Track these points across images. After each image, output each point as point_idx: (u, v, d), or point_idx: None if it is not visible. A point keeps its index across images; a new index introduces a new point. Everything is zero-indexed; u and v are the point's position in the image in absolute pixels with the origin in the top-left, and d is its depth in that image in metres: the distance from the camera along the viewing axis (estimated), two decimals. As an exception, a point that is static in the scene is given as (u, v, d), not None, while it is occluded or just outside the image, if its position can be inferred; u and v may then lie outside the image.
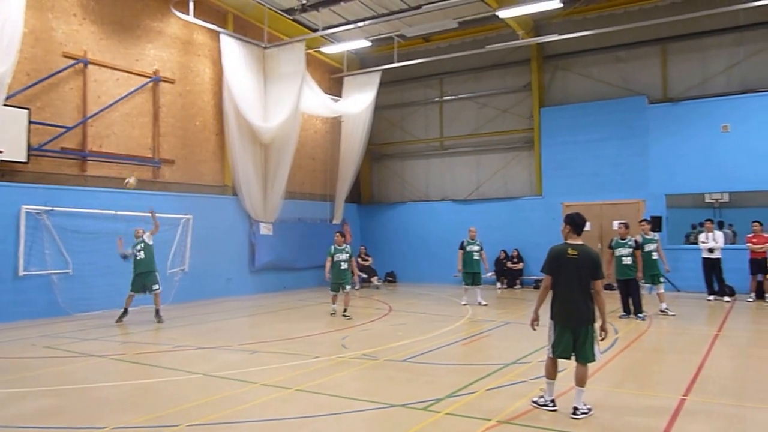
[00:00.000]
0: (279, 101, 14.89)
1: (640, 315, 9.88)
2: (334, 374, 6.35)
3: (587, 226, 5.37)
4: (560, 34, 14.43)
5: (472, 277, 12.16)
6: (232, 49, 14.26)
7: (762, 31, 13.99)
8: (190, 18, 13.18)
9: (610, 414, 4.87)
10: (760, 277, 12.07)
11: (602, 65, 15.93)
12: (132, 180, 10.36)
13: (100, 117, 11.87)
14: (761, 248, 11.92)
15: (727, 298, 12.11)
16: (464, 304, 12.04)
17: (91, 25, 11.81)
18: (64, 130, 11.17)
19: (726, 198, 16.65)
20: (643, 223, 10.95)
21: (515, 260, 16.21)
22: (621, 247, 10.17)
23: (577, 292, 4.87)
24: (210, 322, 10.46)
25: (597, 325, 4.91)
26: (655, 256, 10.41)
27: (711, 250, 12.16)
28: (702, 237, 12.48)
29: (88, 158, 11.65)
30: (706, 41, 14.60)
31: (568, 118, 15.82)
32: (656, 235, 10.87)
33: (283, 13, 15.52)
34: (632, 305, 10.08)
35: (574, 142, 15.64)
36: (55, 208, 10.73)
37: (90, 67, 11.69)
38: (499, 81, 17.43)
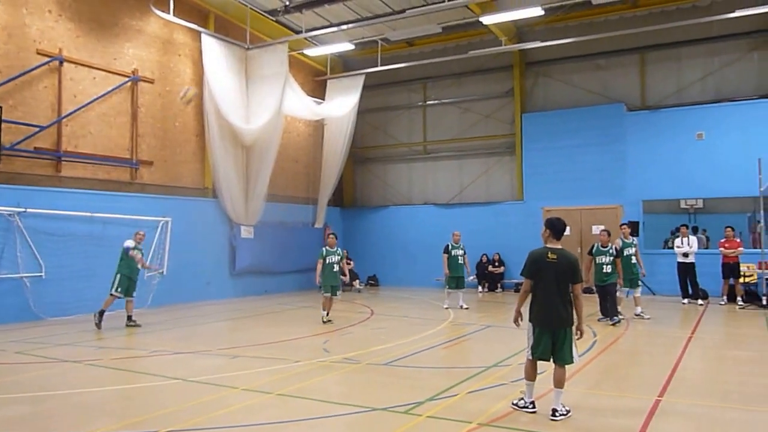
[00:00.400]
0: (261, 103, 14.77)
1: (615, 318, 10.01)
2: (316, 378, 6.31)
3: (567, 231, 5.44)
4: (542, 41, 14.63)
5: (456, 280, 12.22)
6: (213, 49, 14.12)
7: (735, 42, 14.42)
8: (170, 17, 13.00)
9: (587, 415, 4.93)
10: (732, 280, 12.38)
11: (583, 72, 16.21)
12: (190, 93, 10.34)
13: (75, 116, 11.63)
14: (733, 253, 12.24)
15: (700, 302, 12.40)
16: (446, 308, 12.09)
17: (67, 22, 11.57)
18: (37, 129, 10.91)
19: (700, 204, 17.04)
20: (623, 226, 11.13)
21: (496, 264, 16.34)
22: (602, 254, 10.23)
23: (556, 296, 4.92)
24: (189, 326, 10.31)
25: (575, 327, 4.98)
26: (633, 260, 10.61)
27: (686, 255, 12.49)
28: (677, 242, 12.80)
29: (63, 159, 11.39)
30: (682, 51, 14.97)
31: (549, 124, 16.04)
32: (635, 240, 11.09)
33: (265, 14, 15.42)
34: (609, 308, 10.23)
35: (555, 148, 15.85)
36: (28, 210, 10.46)
37: (66, 65, 11.45)
38: (482, 86, 17.60)
